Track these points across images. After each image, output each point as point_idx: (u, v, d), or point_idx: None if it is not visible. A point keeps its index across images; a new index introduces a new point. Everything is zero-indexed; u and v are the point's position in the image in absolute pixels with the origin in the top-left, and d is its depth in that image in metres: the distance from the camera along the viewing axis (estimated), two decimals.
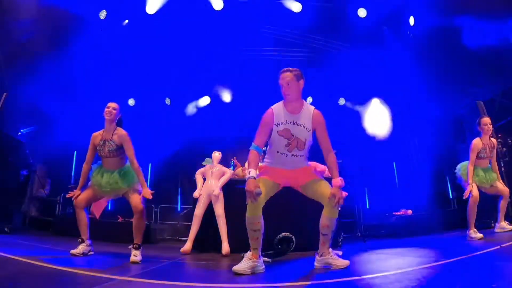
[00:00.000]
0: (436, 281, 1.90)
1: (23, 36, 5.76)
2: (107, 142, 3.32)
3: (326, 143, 2.68)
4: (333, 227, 2.61)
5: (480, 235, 3.73)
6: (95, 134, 3.42)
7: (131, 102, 8.80)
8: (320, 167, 4.64)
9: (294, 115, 2.61)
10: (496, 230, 4.12)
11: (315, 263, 2.67)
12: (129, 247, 3.16)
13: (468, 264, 2.38)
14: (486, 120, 4.20)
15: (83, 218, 3.32)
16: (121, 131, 3.37)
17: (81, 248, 3.25)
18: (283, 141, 2.59)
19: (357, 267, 2.89)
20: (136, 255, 3.07)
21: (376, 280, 2.04)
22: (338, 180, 2.60)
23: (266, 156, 2.83)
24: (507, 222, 4.12)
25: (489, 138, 4.18)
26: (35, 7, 5.67)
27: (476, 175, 4.05)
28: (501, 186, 4.12)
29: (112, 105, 3.39)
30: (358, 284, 2.02)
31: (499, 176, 4.21)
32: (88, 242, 3.33)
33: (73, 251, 3.22)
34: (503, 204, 4.11)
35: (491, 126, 4.17)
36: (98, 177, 3.31)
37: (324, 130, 2.68)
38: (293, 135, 2.59)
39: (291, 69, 2.65)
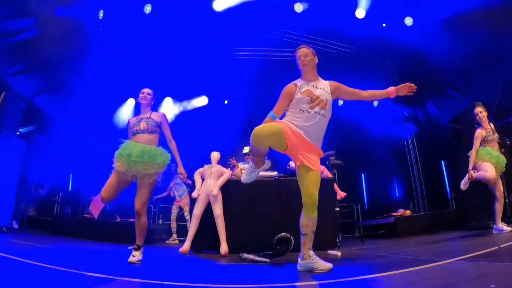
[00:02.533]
0: (435, 281, 1.91)
1: (22, 36, 5.75)
2: (145, 119, 3.35)
3: (354, 89, 2.92)
4: (313, 227, 2.53)
5: (509, 228, 3.89)
6: (131, 118, 3.48)
7: (131, 101, 8.81)
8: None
9: (313, 82, 2.82)
10: (494, 232, 4.15)
11: (298, 267, 2.57)
12: (129, 247, 3.13)
13: (467, 264, 2.39)
14: (477, 109, 4.47)
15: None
16: (159, 112, 3.47)
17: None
18: (306, 99, 2.70)
19: (356, 267, 2.90)
20: (134, 256, 3.03)
21: (375, 280, 2.05)
22: (391, 88, 2.92)
23: (285, 117, 2.76)
24: (504, 224, 4.14)
25: (488, 123, 4.42)
26: (34, 8, 5.66)
27: (491, 156, 4.21)
28: (500, 184, 4.19)
29: (146, 90, 3.49)
30: (357, 284, 2.03)
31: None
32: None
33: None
34: (497, 206, 4.18)
35: (485, 113, 4.43)
36: (129, 147, 3.14)
37: (345, 86, 2.90)
38: (315, 95, 2.72)
39: (307, 46, 2.94)
